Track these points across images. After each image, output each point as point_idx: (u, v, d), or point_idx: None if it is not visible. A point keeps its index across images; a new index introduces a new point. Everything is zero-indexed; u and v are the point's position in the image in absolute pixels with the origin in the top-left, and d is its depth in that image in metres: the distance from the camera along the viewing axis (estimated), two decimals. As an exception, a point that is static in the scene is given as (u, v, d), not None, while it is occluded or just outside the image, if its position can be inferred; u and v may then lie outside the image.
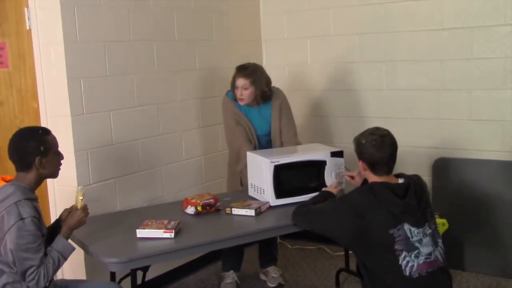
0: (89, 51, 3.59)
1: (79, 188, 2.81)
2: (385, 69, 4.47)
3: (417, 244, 2.66)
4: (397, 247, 2.64)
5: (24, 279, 2.50)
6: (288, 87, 4.83)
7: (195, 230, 3.02)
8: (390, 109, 4.46)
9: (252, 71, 3.73)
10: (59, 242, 2.64)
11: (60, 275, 3.49)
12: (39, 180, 2.67)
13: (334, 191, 3.23)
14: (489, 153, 4.11)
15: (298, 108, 4.81)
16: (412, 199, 2.71)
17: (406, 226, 2.66)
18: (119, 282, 3.22)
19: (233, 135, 3.85)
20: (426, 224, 2.72)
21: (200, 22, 4.43)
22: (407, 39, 4.35)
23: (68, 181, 3.48)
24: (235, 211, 3.22)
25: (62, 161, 2.74)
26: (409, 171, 2.97)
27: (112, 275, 3.26)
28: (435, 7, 4.20)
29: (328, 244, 4.69)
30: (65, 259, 2.64)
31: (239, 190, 3.80)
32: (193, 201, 3.27)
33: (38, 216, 2.56)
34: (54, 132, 2.75)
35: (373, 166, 2.80)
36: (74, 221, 2.72)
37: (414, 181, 2.80)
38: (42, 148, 2.61)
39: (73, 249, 2.71)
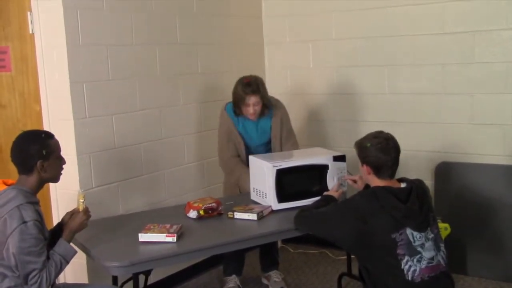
0: (91, 54, 3.60)
1: (80, 191, 2.83)
2: (387, 73, 4.47)
3: (419, 249, 2.65)
4: (399, 251, 2.63)
5: (26, 283, 2.50)
6: (289, 91, 4.85)
7: (198, 234, 3.02)
8: (392, 113, 4.46)
9: (259, 86, 3.72)
10: (61, 245, 2.64)
11: (62, 278, 3.49)
12: (41, 184, 2.67)
13: (335, 194, 3.23)
14: (491, 157, 4.11)
15: (299, 112, 4.83)
16: (414, 204, 2.70)
17: (409, 231, 2.66)
18: (121, 286, 3.22)
19: (223, 149, 3.89)
20: (429, 228, 2.72)
21: (202, 26, 4.43)
22: (409, 43, 4.35)
23: (70, 184, 3.48)
24: (238, 215, 3.22)
25: (64, 166, 2.75)
26: (411, 176, 2.98)
27: (114, 279, 3.25)
28: (437, 11, 4.20)
29: (330, 248, 4.69)
30: (67, 262, 2.64)
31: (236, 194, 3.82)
32: (196, 205, 3.27)
33: (40, 219, 2.57)
34: (56, 136, 2.75)
35: (377, 170, 2.79)
36: (76, 224, 2.73)
37: (416, 186, 2.80)
38: (44, 152, 2.61)
39: (75, 252, 2.71)
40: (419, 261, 2.64)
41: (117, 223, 3.32)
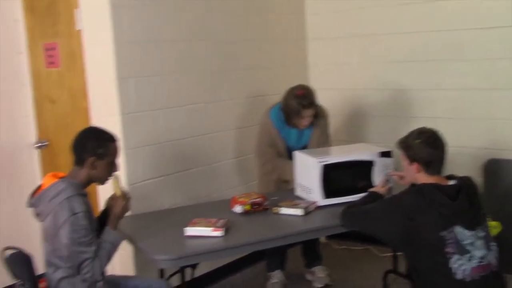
0: (137, 50, 3.64)
1: (113, 175, 2.80)
2: (433, 69, 4.39)
3: (469, 247, 2.59)
4: (448, 249, 2.58)
5: (79, 272, 2.56)
6: (333, 86, 4.82)
7: (243, 229, 3.03)
8: (437, 109, 4.38)
9: (313, 99, 3.68)
10: (109, 233, 2.70)
11: (109, 271, 3.54)
12: (89, 180, 2.72)
13: (382, 191, 3.19)
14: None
15: (342, 108, 4.80)
16: (464, 201, 2.65)
17: (458, 229, 2.60)
18: (168, 279, 3.25)
19: (263, 153, 3.87)
20: (479, 227, 2.66)
21: (245, 22, 4.44)
22: (456, 37, 4.26)
23: (117, 178, 3.53)
24: (283, 210, 3.21)
25: (113, 175, 2.77)
26: (459, 173, 2.91)
27: (161, 272, 3.29)
28: (485, 5, 4.10)
29: (375, 245, 4.64)
30: (116, 249, 2.70)
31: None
32: (241, 200, 3.27)
33: (89, 211, 2.62)
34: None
35: (427, 166, 2.73)
36: (118, 210, 2.76)
37: (465, 183, 2.74)
38: (99, 151, 2.67)
39: (122, 239, 2.77)
40: (469, 260, 2.58)
41: (163, 216, 3.36)
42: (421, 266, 2.68)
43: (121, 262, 3.57)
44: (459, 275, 2.56)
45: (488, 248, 2.65)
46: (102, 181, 2.78)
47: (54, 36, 3.89)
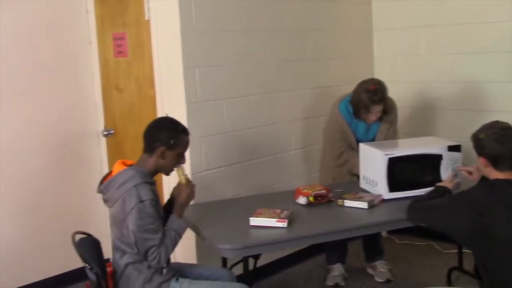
0: (204, 40, 3.67)
1: (177, 166, 2.82)
2: (506, 60, 4.23)
3: (541, 245, 2.50)
4: (520, 247, 2.50)
5: (146, 259, 2.61)
6: (399, 78, 4.73)
7: (307, 220, 3.01)
8: (511, 103, 4.22)
9: (384, 94, 3.62)
10: (174, 221, 2.73)
11: (173, 258, 3.60)
12: (156, 169, 2.76)
13: (449, 185, 3.11)
14: None
15: (408, 100, 4.71)
16: (539, 197, 2.55)
17: (531, 226, 2.51)
18: (231, 268, 3.28)
19: (334, 146, 3.82)
20: (554, 224, 2.55)
21: (311, 11, 4.40)
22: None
23: (181, 167, 3.58)
24: (347, 203, 3.18)
25: (180, 165, 2.81)
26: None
27: (223, 261, 3.32)
28: None
29: (438, 241, 4.54)
30: (180, 237, 2.74)
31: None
32: (305, 191, 3.26)
33: (156, 199, 2.65)
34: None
35: (495, 161, 2.65)
36: (183, 199, 2.79)
37: (539, 179, 2.63)
38: (171, 142, 2.71)
39: (187, 227, 2.81)
40: (541, 258, 2.49)
41: (226, 206, 3.38)
42: (491, 263, 2.60)
43: (184, 250, 3.62)
44: (530, 274, 2.48)
45: (561, 246, 2.54)
46: (168, 171, 2.81)
47: (123, 26, 3.97)
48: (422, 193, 3.08)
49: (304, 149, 4.40)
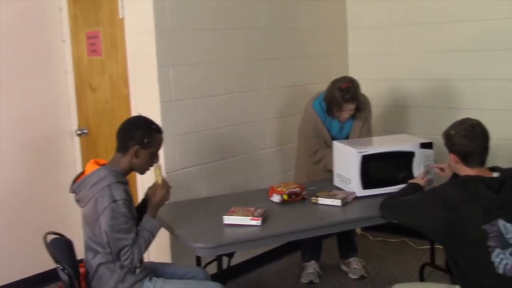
0: (178, 39, 3.66)
1: (155, 164, 2.82)
2: (477, 59, 4.30)
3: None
4: (490, 243, 2.53)
5: (118, 259, 2.60)
6: (373, 76, 4.76)
7: (281, 218, 3.02)
8: (481, 100, 4.29)
9: (357, 93, 3.64)
10: (147, 221, 2.72)
11: (146, 258, 3.59)
12: (130, 168, 2.75)
13: (421, 182, 3.15)
14: None
15: (382, 98, 4.75)
16: (508, 194, 2.59)
17: (501, 222, 2.55)
18: (205, 267, 3.27)
19: (308, 144, 3.85)
20: (523, 220, 2.60)
21: (285, 10, 4.41)
22: (501, 26, 4.15)
23: (156, 166, 3.56)
24: (321, 200, 3.20)
25: (155, 164, 2.80)
26: (503, 165, 2.84)
27: (198, 260, 3.31)
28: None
29: (411, 237, 4.60)
30: (154, 237, 2.73)
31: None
32: (279, 189, 3.27)
33: (129, 199, 2.64)
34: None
35: (465, 158, 2.69)
36: (158, 199, 2.78)
37: (510, 175, 2.67)
38: (145, 140, 2.70)
39: (160, 227, 2.80)
40: (511, 254, 2.53)
41: (201, 205, 3.38)
42: (462, 259, 2.64)
43: (159, 249, 3.61)
44: (500, 270, 2.52)
45: (532, 243, 2.59)
46: (143, 170, 2.80)
47: (96, 24, 3.94)
48: (395, 190, 3.11)
49: (279, 147, 4.41)
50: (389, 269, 4.24)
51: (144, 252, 2.68)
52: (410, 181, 3.19)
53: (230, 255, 3.16)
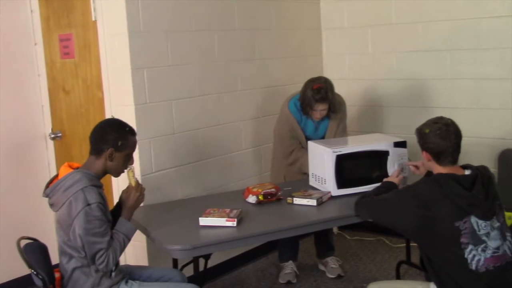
0: (152, 41, 3.64)
1: (129, 167, 2.80)
2: (448, 58, 4.35)
3: (484, 238, 2.57)
4: (463, 240, 2.56)
5: (93, 262, 2.58)
6: (347, 76, 4.80)
7: (257, 219, 3.03)
8: (453, 99, 4.35)
9: (328, 93, 3.66)
10: (122, 224, 2.71)
11: (123, 261, 3.57)
12: (104, 171, 2.73)
13: (396, 180, 3.17)
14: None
15: (357, 98, 4.79)
16: (479, 191, 2.62)
17: (473, 219, 2.58)
18: (181, 269, 3.26)
19: (284, 145, 3.87)
20: (494, 217, 2.63)
21: (260, 12, 4.42)
22: (472, 26, 4.21)
23: (131, 169, 3.54)
24: (297, 200, 3.21)
25: (129, 166, 2.79)
26: (474, 163, 2.88)
27: (174, 262, 3.30)
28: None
29: (388, 236, 4.64)
30: (129, 240, 2.71)
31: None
32: (255, 190, 3.27)
33: (103, 202, 2.62)
34: (117, 121, 2.80)
35: (437, 156, 2.72)
36: (132, 201, 2.77)
37: (481, 173, 2.71)
38: (119, 143, 2.68)
39: (136, 229, 2.78)
40: (483, 250, 2.56)
41: (176, 207, 3.37)
42: (436, 256, 2.67)
43: (135, 252, 3.59)
44: (473, 266, 2.55)
45: (503, 238, 2.62)
46: (117, 173, 2.79)
47: (69, 27, 3.91)
48: (370, 189, 3.13)
49: (255, 148, 4.42)
50: (366, 268, 4.27)
51: (120, 255, 2.66)
52: (385, 179, 3.22)
53: (207, 257, 3.16)
